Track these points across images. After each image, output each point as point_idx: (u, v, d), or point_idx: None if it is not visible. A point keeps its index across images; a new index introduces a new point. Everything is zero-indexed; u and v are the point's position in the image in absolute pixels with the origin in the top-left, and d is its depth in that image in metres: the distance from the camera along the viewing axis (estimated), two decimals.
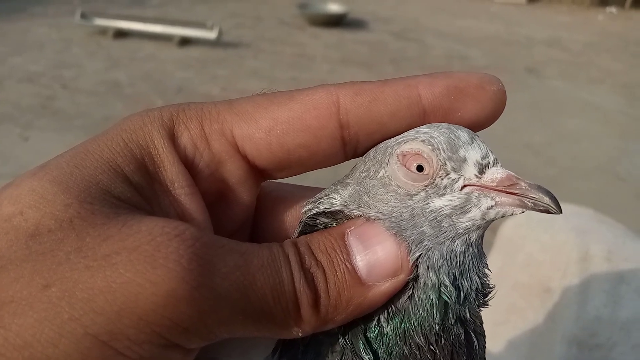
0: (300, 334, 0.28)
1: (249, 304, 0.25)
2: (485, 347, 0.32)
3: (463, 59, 4.64)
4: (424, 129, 0.30)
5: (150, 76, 3.82)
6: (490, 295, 0.31)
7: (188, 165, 0.29)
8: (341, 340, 0.30)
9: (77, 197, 0.24)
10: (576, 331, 0.86)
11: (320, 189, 0.33)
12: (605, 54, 4.87)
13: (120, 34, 4.46)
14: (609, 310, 0.86)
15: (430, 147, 0.29)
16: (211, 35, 4.35)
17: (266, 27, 5.12)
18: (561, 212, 0.28)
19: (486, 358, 0.33)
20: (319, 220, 0.31)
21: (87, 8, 4.68)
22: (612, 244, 0.90)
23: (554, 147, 3.26)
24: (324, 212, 0.31)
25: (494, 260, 1.05)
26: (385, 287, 0.28)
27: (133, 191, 0.27)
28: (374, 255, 0.28)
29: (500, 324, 1.00)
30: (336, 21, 5.24)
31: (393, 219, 0.29)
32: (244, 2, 5.82)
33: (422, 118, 0.30)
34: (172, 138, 0.29)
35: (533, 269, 0.97)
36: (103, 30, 4.49)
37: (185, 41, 4.41)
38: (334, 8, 5.38)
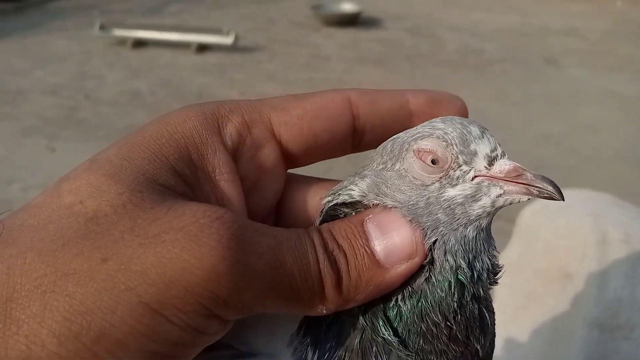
0: (324, 312, 0.30)
1: (279, 282, 0.28)
2: (495, 322, 0.35)
3: (478, 52, 4.62)
4: (438, 124, 0.33)
5: (170, 83, 3.89)
6: (499, 274, 0.34)
7: (232, 152, 0.33)
8: (361, 320, 0.32)
9: (127, 186, 0.27)
10: (597, 314, 0.88)
11: (333, 180, 0.37)
12: (624, 41, 4.80)
13: (139, 43, 4.55)
14: (629, 292, 0.87)
15: (444, 143, 0.32)
16: (227, 40, 4.41)
17: (280, 30, 5.16)
18: (564, 199, 0.31)
19: (505, 340, 0.36)
20: (339, 211, 0.34)
21: (105, 19, 4.76)
22: (629, 226, 0.91)
23: (574, 137, 3.23)
24: (343, 202, 0.34)
25: (512, 248, 1.06)
26: (401, 269, 0.31)
27: (177, 179, 0.30)
28: (390, 240, 0.31)
29: (520, 310, 1.01)
30: (350, 20, 5.25)
31: (409, 207, 0.32)
32: (257, 6, 5.87)
33: (409, 119, 0.36)
34: (215, 129, 0.32)
35: (551, 255, 0.98)
36: (122, 41, 4.58)
37: (202, 47, 4.47)
38: (348, 7, 5.39)
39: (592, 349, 0.87)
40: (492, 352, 0.35)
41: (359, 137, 0.36)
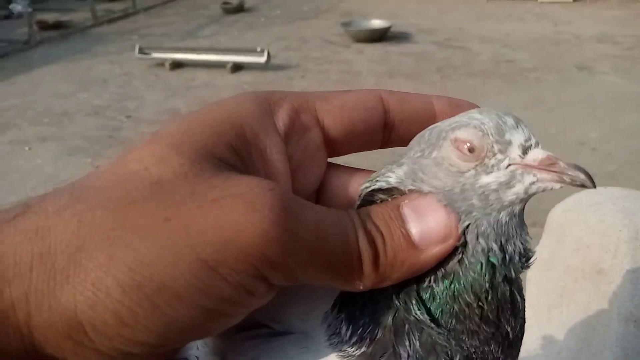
0: (361, 287, 0.32)
1: (322, 253, 0.29)
2: (525, 308, 0.36)
3: (510, 62, 4.59)
4: (475, 114, 0.34)
5: (207, 103, 3.98)
6: (532, 259, 0.35)
7: (283, 134, 0.35)
8: (395, 300, 0.33)
9: (188, 157, 0.29)
10: (632, 309, 0.88)
11: (372, 171, 0.39)
12: None
13: (177, 65, 4.70)
14: None
15: (481, 132, 0.33)
16: (261, 59, 4.51)
17: (312, 48, 5.25)
18: (595, 187, 0.32)
19: (539, 339, 0.38)
20: (376, 197, 0.35)
21: (144, 43, 4.96)
22: None
23: (611, 143, 3.18)
24: (380, 189, 0.35)
25: (544, 246, 1.06)
26: (435, 250, 0.32)
27: (233, 154, 0.31)
28: (425, 223, 0.32)
29: (554, 307, 1.01)
30: (380, 36, 5.30)
31: (445, 192, 0.33)
32: (289, 26, 5.99)
33: (433, 118, 0.38)
34: (269, 112, 0.35)
35: (583, 252, 0.98)
36: (160, 63, 4.74)
37: (237, 67, 4.59)
38: (377, 23, 5.45)
39: (628, 344, 0.86)
40: (522, 337, 0.36)
41: (388, 130, 0.38)
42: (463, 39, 5.26)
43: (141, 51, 4.75)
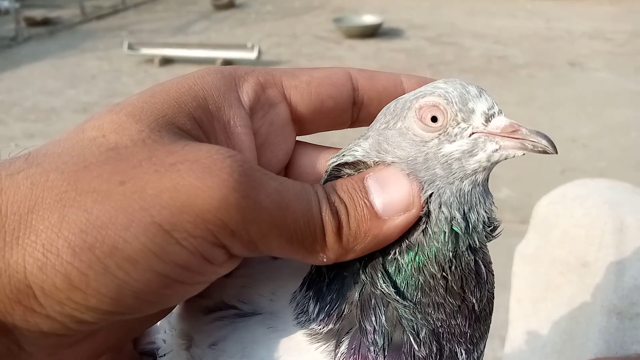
0: (325, 260, 0.32)
1: (284, 223, 0.29)
2: (494, 278, 0.36)
3: (502, 58, 4.59)
4: (440, 84, 0.34)
5: None
6: (498, 230, 0.34)
7: (248, 107, 0.35)
8: (362, 275, 0.33)
9: (148, 125, 0.29)
10: (615, 301, 0.86)
11: (338, 149, 0.38)
12: None
13: (166, 61, 4.67)
14: None
15: (445, 101, 0.33)
16: (251, 55, 4.49)
17: (303, 44, 5.23)
18: (557, 152, 0.32)
19: (524, 334, 0.36)
20: (343, 172, 0.35)
21: (134, 39, 4.92)
22: None
23: (602, 140, 3.17)
24: (346, 163, 0.35)
25: (530, 240, 1.05)
26: (398, 220, 0.32)
27: (194, 124, 0.31)
28: (388, 193, 0.32)
29: (539, 301, 1.00)
30: (372, 32, 5.29)
31: (409, 162, 0.33)
32: (280, 22, 5.96)
33: None
34: (233, 85, 0.34)
35: (569, 244, 0.97)
36: (150, 59, 4.71)
37: (227, 63, 4.56)
38: (369, 19, 5.43)
39: (611, 337, 0.85)
40: (490, 313, 0.36)
41: (357, 108, 0.38)
42: (455, 35, 5.25)
43: (130, 47, 4.71)
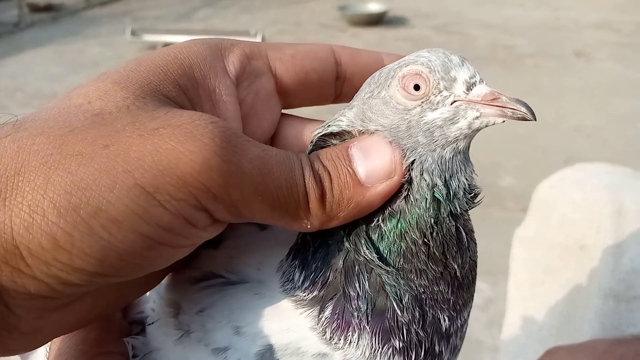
0: (308, 227, 0.32)
1: (267, 189, 0.29)
2: (476, 246, 0.36)
3: (509, 47, 4.55)
4: (423, 53, 0.34)
5: None
6: (479, 197, 0.35)
7: (233, 77, 0.35)
8: (346, 243, 0.34)
9: (132, 92, 0.30)
10: (612, 284, 0.86)
11: (320, 121, 0.39)
12: None
13: None
14: None
15: (428, 69, 0.33)
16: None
17: (307, 31, 5.21)
18: (535, 119, 0.33)
19: (522, 318, 0.35)
20: (328, 142, 0.35)
21: (136, 25, 4.90)
22: None
23: (607, 130, 3.15)
24: (332, 133, 0.35)
25: (529, 223, 1.04)
26: (381, 187, 0.32)
27: (179, 92, 0.32)
28: (371, 161, 0.33)
29: (537, 285, 1.00)
30: (376, 20, 5.25)
31: (392, 130, 0.33)
32: (285, 9, 5.93)
33: None
34: (219, 55, 0.35)
35: (568, 228, 0.96)
36: (153, 45, 4.69)
37: None
38: (374, 7, 5.40)
39: (606, 320, 0.84)
40: (474, 281, 0.36)
41: (340, 83, 0.39)
42: (461, 23, 5.21)
43: (133, 34, 4.70)
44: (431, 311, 0.33)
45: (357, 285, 0.33)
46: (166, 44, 4.57)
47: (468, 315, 0.36)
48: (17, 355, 0.36)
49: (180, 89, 0.32)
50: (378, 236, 0.33)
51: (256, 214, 0.30)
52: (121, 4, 6.26)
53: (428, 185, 0.33)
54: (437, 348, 0.33)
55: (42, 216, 0.25)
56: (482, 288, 1.80)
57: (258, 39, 4.44)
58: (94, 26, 5.43)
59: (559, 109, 3.41)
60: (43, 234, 0.25)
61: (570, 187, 1.00)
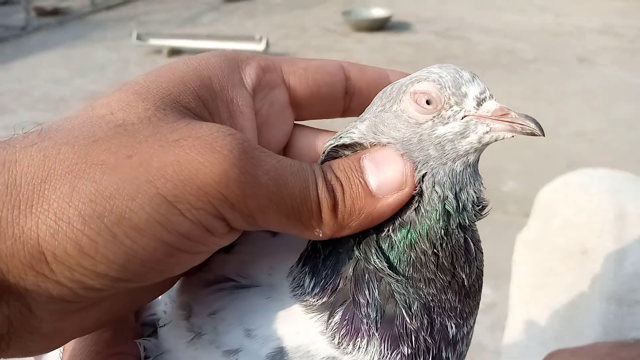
0: (320, 236, 0.33)
1: (281, 199, 0.31)
2: (483, 256, 0.37)
3: (510, 53, 4.57)
4: (434, 69, 0.36)
5: None
6: (486, 209, 0.36)
7: (250, 89, 0.36)
8: (356, 251, 0.35)
9: (153, 104, 0.31)
10: (615, 288, 0.87)
11: (335, 132, 0.40)
12: None
13: (175, 52, 4.68)
14: None
15: (439, 85, 0.34)
16: (259, 47, 4.49)
17: (311, 36, 5.23)
18: (544, 135, 0.34)
19: (523, 321, 0.36)
20: (340, 153, 0.36)
21: (142, 30, 4.93)
22: None
23: (608, 134, 3.16)
24: (344, 144, 0.36)
25: (532, 227, 1.06)
26: (392, 199, 0.33)
27: (199, 103, 0.33)
28: (383, 172, 0.34)
29: (539, 288, 1.01)
30: (380, 25, 5.27)
31: (403, 142, 0.34)
32: (289, 14, 5.96)
33: None
34: (236, 68, 0.36)
35: (570, 232, 0.97)
36: (158, 50, 4.72)
37: None
38: (377, 12, 5.41)
39: (609, 323, 0.86)
40: (480, 289, 0.37)
41: (349, 97, 0.41)
42: (463, 28, 5.23)
43: (139, 38, 4.72)
44: (439, 319, 0.34)
45: (366, 292, 0.33)
46: (172, 48, 4.63)
47: (474, 323, 0.37)
48: (31, 357, 0.37)
49: (199, 100, 0.33)
50: (388, 245, 0.34)
51: (271, 222, 0.31)
52: (127, 9, 6.30)
53: (439, 197, 0.34)
54: (444, 354, 0.34)
55: (68, 223, 0.26)
56: (484, 292, 1.80)
57: (262, 44, 4.47)
58: (100, 30, 5.46)
59: (561, 113, 3.42)
60: (68, 240, 0.26)
61: (573, 192, 1.02)
